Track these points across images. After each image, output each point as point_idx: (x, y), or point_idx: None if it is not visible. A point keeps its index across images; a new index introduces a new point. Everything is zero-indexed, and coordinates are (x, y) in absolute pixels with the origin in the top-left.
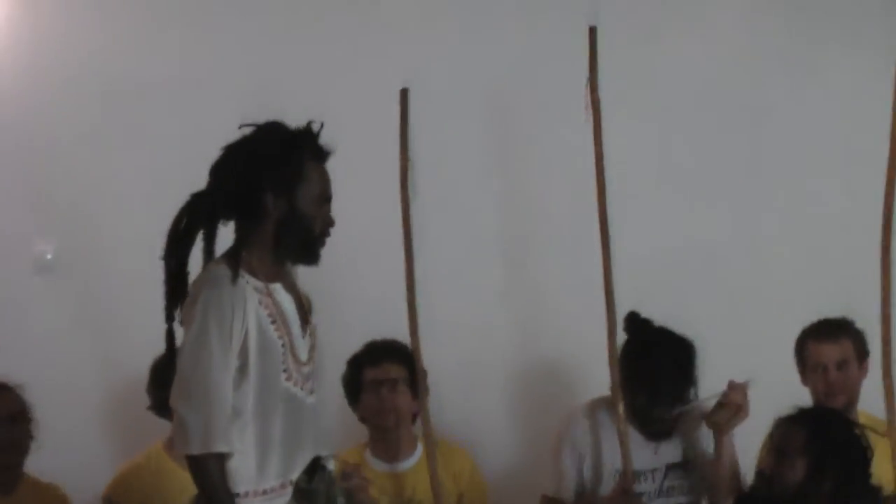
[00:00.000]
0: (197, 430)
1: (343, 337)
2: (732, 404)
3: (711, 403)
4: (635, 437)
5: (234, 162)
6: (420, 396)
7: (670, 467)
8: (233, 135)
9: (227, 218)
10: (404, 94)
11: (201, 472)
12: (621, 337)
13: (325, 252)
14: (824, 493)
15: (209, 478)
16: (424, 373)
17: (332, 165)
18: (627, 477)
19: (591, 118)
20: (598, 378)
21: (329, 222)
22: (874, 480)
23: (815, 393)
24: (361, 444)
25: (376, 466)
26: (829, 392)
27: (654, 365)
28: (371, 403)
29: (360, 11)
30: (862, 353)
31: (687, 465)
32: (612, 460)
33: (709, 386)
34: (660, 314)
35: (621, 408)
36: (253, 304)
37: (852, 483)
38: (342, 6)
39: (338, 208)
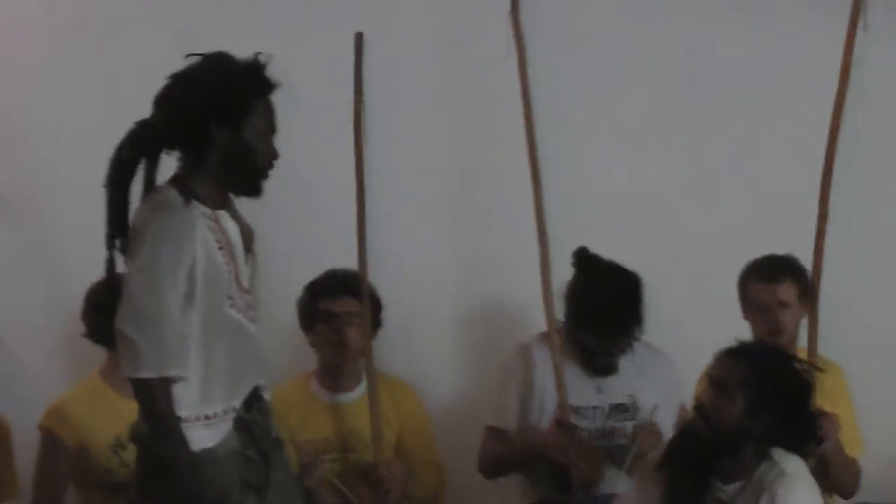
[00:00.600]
0: (149, 353)
1: (293, 270)
2: (647, 439)
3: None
4: (579, 374)
5: (180, 91)
6: (366, 331)
7: (614, 407)
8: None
9: (171, 147)
10: (359, 37)
11: (150, 395)
12: (563, 273)
13: (282, 186)
14: (763, 428)
15: (158, 401)
16: (381, 306)
17: (287, 107)
18: (563, 409)
19: (514, 48)
20: (542, 314)
21: (273, 156)
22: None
23: (756, 332)
24: (307, 373)
25: (321, 397)
26: (771, 331)
27: (601, 298)
28: (325, 335)
29: None
30: (804, 292)
31: (631, 408)
32: (554, 395)
33: (653, 323)
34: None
35: (556, 340)
36: (202, 230)
37: (792, 418)
38: None
39: (293, 147)
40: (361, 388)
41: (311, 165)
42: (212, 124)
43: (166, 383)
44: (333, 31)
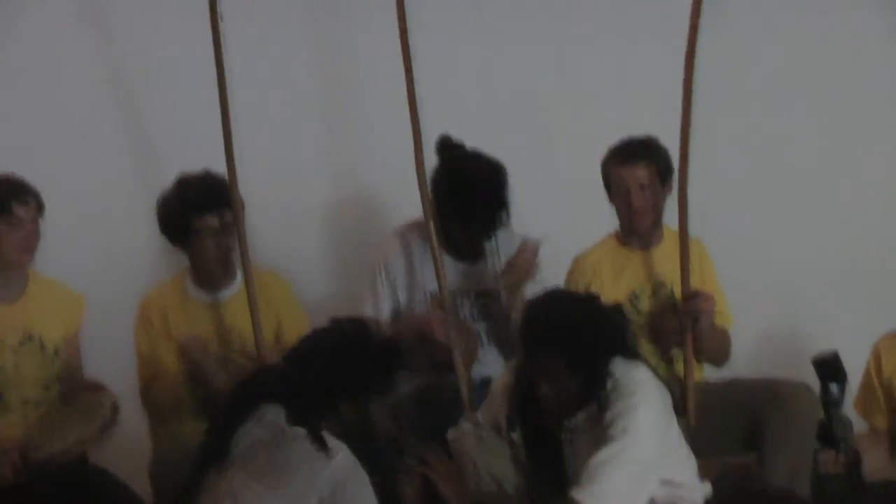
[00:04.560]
0: None
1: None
2: (521, 265)
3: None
4: (446, 261)
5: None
6: (240, 231)
7: (480, 293)
8: None
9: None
10: None
11: None
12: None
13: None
14: (603, 370)
15: None
16: (242, 203)
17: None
18: (443, 290)
19: None
20: (413, 205)
21: None
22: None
23: (620, 215)
24: (180, 273)
25: (197, 297)
26: (634, 213)
27: (465, 186)
28: (208, 249)
29: None
30: (666, 172)
31: (496, 293)
32: (424, 282)
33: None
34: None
35: (431, 227)
36: None
37: (607, 344)
38: None
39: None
40: (236, 285)
41: (176, 64)
42: (342, 398)
43: None
44: None
